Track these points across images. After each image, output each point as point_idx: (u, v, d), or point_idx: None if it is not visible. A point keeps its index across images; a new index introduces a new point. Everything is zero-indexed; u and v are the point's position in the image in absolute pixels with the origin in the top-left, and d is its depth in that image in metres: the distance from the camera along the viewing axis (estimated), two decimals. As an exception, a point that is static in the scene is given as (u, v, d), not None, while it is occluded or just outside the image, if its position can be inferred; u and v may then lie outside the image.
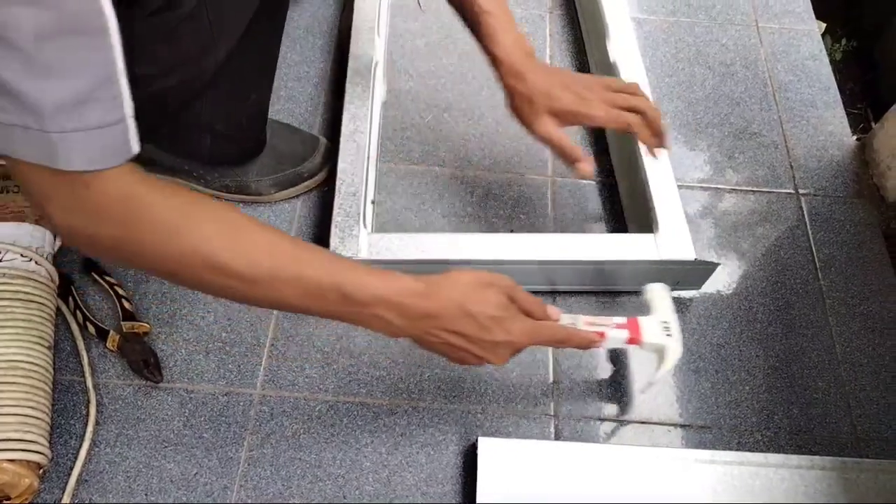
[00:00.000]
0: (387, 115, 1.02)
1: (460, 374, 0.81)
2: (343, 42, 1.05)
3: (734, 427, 0.80)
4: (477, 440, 0.74)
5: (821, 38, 1.17)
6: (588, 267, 0.82)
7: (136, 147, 0.52)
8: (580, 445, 0.76)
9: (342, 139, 0.89)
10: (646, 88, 0.93)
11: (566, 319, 0.68)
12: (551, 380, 0.82)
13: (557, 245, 0.82)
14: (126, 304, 0.82)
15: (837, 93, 1.10)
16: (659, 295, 0.75)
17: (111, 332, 0.80)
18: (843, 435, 0.80)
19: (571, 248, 0.81)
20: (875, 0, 1.24)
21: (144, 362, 0.79)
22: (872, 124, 1.11)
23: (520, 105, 0.76)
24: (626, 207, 0.93)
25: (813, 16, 1.20)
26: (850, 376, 0.84)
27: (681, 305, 0.88)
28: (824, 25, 1.21)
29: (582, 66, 1.10)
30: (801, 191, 0.99)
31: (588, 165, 0.76)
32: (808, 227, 0.96)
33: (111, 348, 0.80)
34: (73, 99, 0.47)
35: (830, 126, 1.06)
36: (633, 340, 0.70)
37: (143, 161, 0.91)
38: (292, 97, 1.03)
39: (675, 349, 0.71)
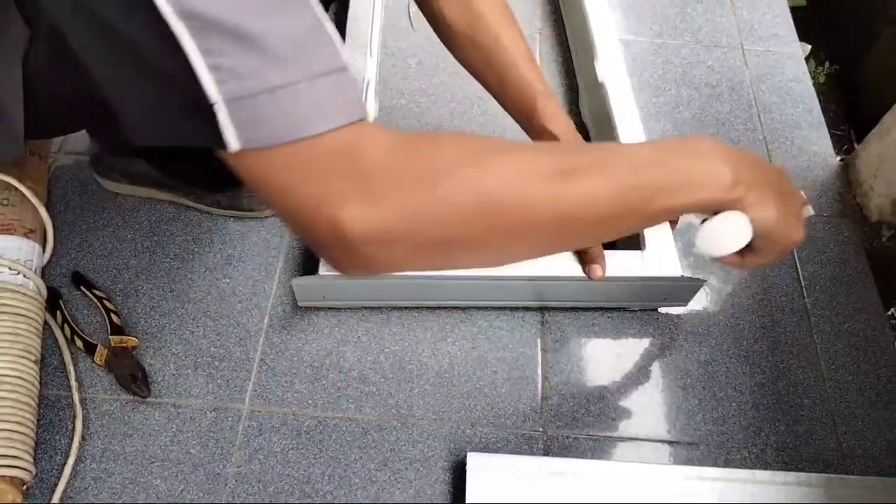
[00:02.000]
0: (378, 132, 1.03)
1: (449, 389, 0.82)
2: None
3: (721, 443, 0.80)
4: (466, 456, 0.74)
5: (804, 61, 1.19)
6: (576, 283, 0.82)
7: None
8: (569, 461, 0.76)
9: (333, 155, 0.89)
10: (633, 109, 0.95)
11: None
12: (540, 396, 0.82)
13: (546, 262, 0.82)
14: (114, 318, 0.82)
15: (821, 114, 1.12)
16: None
17: (99, 346, 0.80)
18: (829, 451, 0.81)
19: (560, 264, 0.82)
20: (857, 25, 1.27)
21: (132, 377, 0.78)
22: (855, 145, 1.13)
23: None
24: (614, 225, 0.94)
25: (797, 39, 1.22)
26: (836, 393, 0.85)
27: (668, 322, 0.88)
28: (808, 48, 1.24)
29: (571, 86, 1.11)
30: (785, 210, 1.01)
31: (601, 271, 0.79)
32: (793, 245, 0.97)
33: (99, 363, 0.79)
34: (309, 34, 0.40)
35: (814, 147, 1.08)
36: None
37: (130, 175, 0.92)
38: (284, 113, 1.04)
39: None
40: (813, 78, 1.18)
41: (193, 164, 0.87)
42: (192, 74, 0.38)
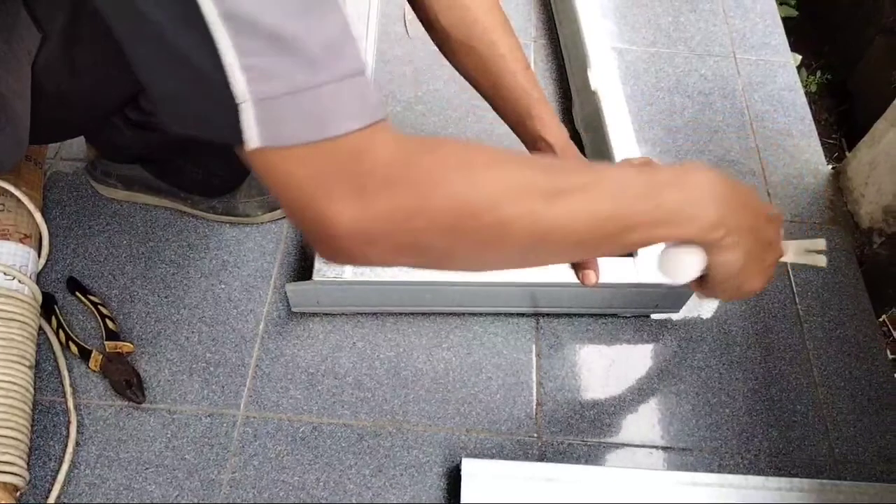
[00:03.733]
0: (373, 138, 1.04)
1: (444, 395, 0.82)
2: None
3: (715, 449, 0.81)
4: (461, 461, 0.74)
5: (796, 71, 1.20)
6: (570, 290, 0.83)
7: None
8: (563, 467, 0.76)
9: (329, 162, 0.90)
10: (626, 117, 0.96)
11: None
12: (535, 402, 0.82)
13: (540, 268, 0.83)
14: (110, 324, 0.82)
15: (812, 123, 1.13)
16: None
17: (94, 351, 0.80)
18: (822, 457, 0.81)
19: (554, 271, 0.82)
20: (850, 32, 1.29)
21: (127, 382, 0.78)
22: (846, 153, 1.15)
23: None
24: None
25: (788, 49, 1.23)
26: (828, 399, 0.85)
27: (661, 328, 0.89)
28: (800, 58, 1.25)
29: (565, 94, 1.12)
30: (778, 217, 1.02)
31: (594, 277, 0.79)
32: (786, 252, 0.98)
33: (94, 368, 0.79)
34: (337, 36, 0.41)
35: (806, 155, 1.09)
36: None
37: (126, 181, 0.92)
38: (280, 120, 1.04)
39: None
40: (804, 87, 1.19)
41: (190, 170, 0.87)
42: (223, 72, 0.38)
